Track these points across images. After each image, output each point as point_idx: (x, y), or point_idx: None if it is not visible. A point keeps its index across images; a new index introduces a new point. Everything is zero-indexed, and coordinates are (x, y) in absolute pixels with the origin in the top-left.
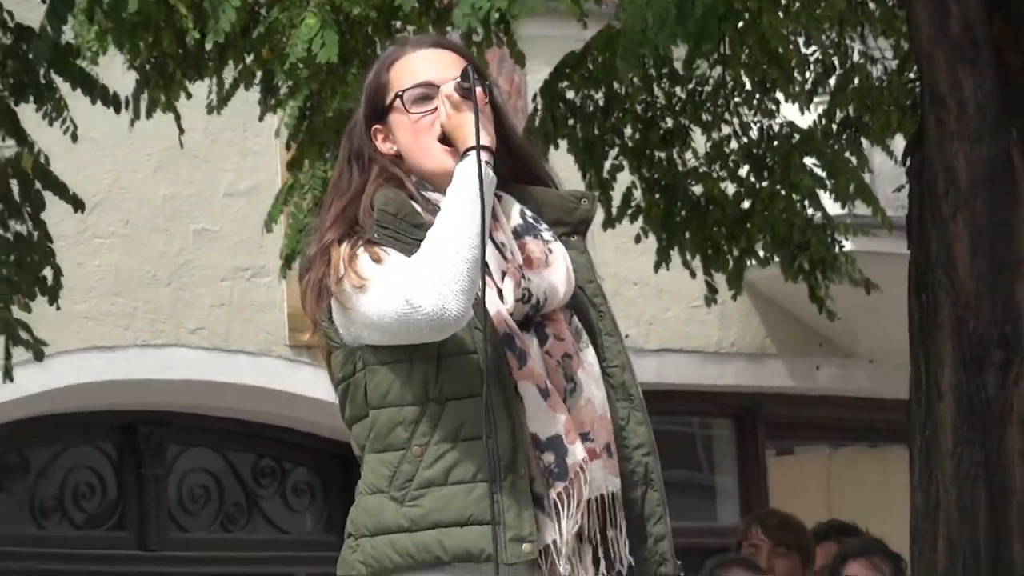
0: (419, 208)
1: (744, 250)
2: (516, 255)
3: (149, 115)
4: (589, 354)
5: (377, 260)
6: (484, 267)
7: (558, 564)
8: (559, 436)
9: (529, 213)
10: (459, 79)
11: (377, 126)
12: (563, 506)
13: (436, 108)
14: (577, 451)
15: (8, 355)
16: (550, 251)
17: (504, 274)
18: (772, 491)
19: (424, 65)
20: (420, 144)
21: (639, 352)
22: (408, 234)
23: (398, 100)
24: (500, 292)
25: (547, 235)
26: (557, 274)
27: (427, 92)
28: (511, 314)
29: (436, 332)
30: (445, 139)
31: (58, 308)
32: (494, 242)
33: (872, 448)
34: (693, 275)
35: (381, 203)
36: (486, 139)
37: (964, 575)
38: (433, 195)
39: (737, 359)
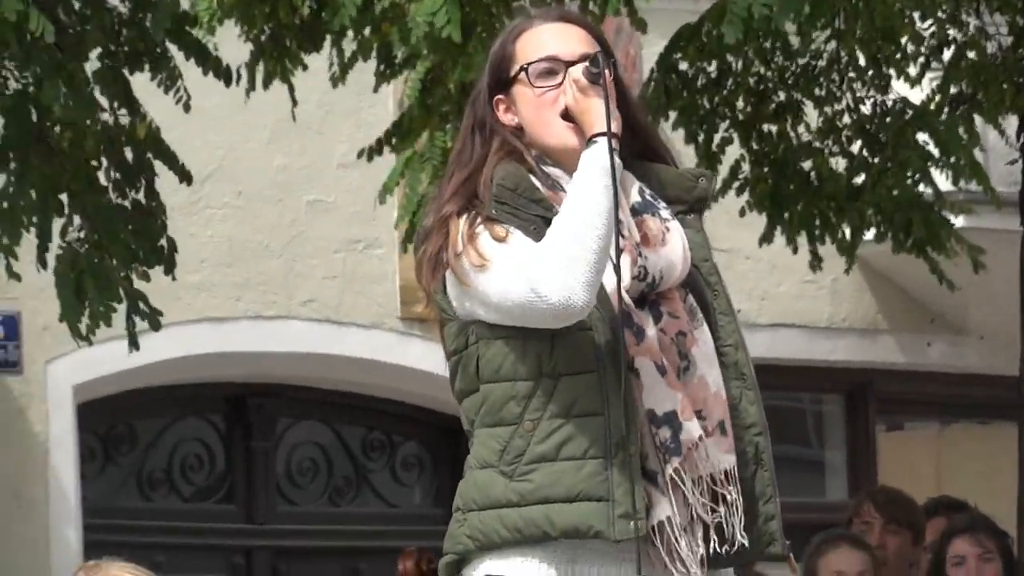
0: (538, 183)
1: (857, 226)
2: (634, 233)
3: (266, 86)
4: (703, 332)
5: (500, 239)
6: (618, 253)
7: (674, 541)
8: (675, 412)
9: (648, 191)
10: (588, 64)
11: (500, 96)
12: (679, 482)
13: (561, 83)
14: (693, 428)
15: (132, 324)
16: (667, 229)
17: (622, 250)
18: (881, 467)
19: (551, 39)
20: (543, 118)
21: (751, 327)
22: (526, 209)
23: (523, 73)
24: (617, 268)
25: (665, 213)
26: (674, 253)
27: (552, 67)
28: (627, 291)
29: (559, 321)
30: (567, 115)
31: (173, 278)
32: (617, 219)
33: (982, 425)
34: (795, 251)
35: (500, 178)
36: (615, 126)
37: None
38: (553, 170)
39: (848, 334)
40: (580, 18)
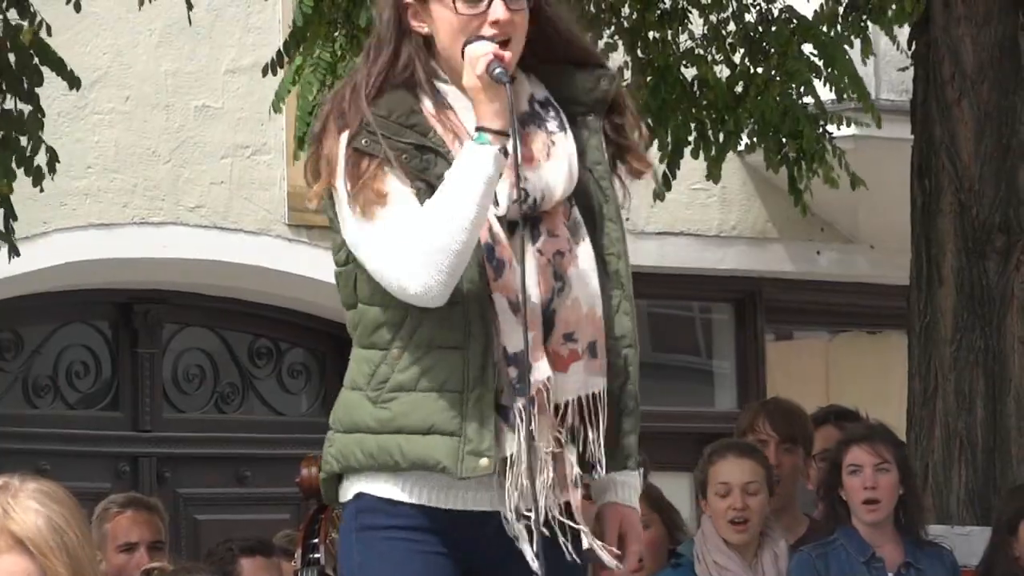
0: (424, 100)
1: (729, 134)
2: (516, 148)
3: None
4: (584, 248)
5: (380, 200)
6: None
7: (520, 476)
8: (523, 352)
9: (540, 97)
10: (491, 67)
11: (411, 2)
12: (523, 420)
13: (485, 10)
14: (542, 368)
15: (10, 231)
16: (552, 143)
17: (500, 173)
18: (770, 376)
19: None
20: (457, 45)
21: (640, 235)
22: (397, 136)
23: None
24: (494, 197)
25: (552, 125)
26: (557, 171)
27: None
28: (504, 215)
29: (418, 304)
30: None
31: (41, 190)
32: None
33: (871, 334)
34: (663, 160)
35: (382, 106)
36: (499, 122)
37: (960, 461)
38: (444, 87)
39: (737, 243)
40: None
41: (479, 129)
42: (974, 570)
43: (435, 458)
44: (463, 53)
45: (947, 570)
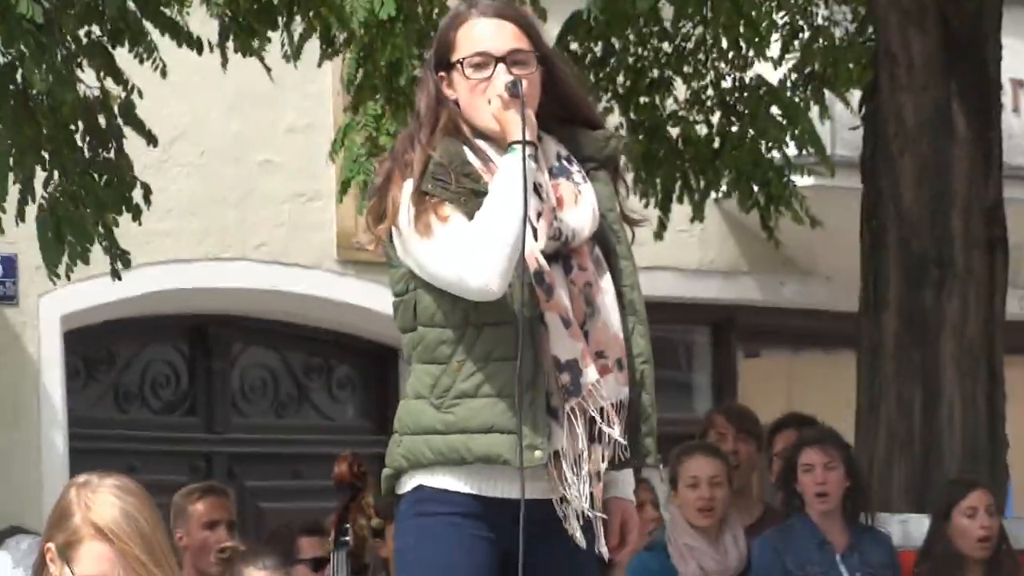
0: (471, 155)
1: (709, 183)
2: (550, 196)
3: (246, 54)
4: (607, 280)
5: (442, 220)
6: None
7: (564, 467)
8: (576, 360)
9: (564, 154)
10: (509, 85)
11: (442, 74)
12: (576, 417)
13: (491, 75)
14: (591, 373)
15: (114, 259)
16: (579, 192)
17: (539, 215)
18: (741, 389)
19: (485, 34)
20: (474, 103)
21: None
22: (457, 183)
23: (459, 64)
24: (535, 232)
25: (577, 177)
26: (584, 214)
27: (483, 60)
28: (543, 250)
29: (479, 299)
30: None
31: (140, 224)
32: (536, 183)
33: (827, 353)
34: (647, 205)
35: (438, 155)
36: (530, 135)
37: (900, 459)
38: (484, 144)
39: (714, 276)
40: (514, 13)
41: (510, 144)
42: (915, 551)
43: (498, 453)
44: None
45: (886, 552)
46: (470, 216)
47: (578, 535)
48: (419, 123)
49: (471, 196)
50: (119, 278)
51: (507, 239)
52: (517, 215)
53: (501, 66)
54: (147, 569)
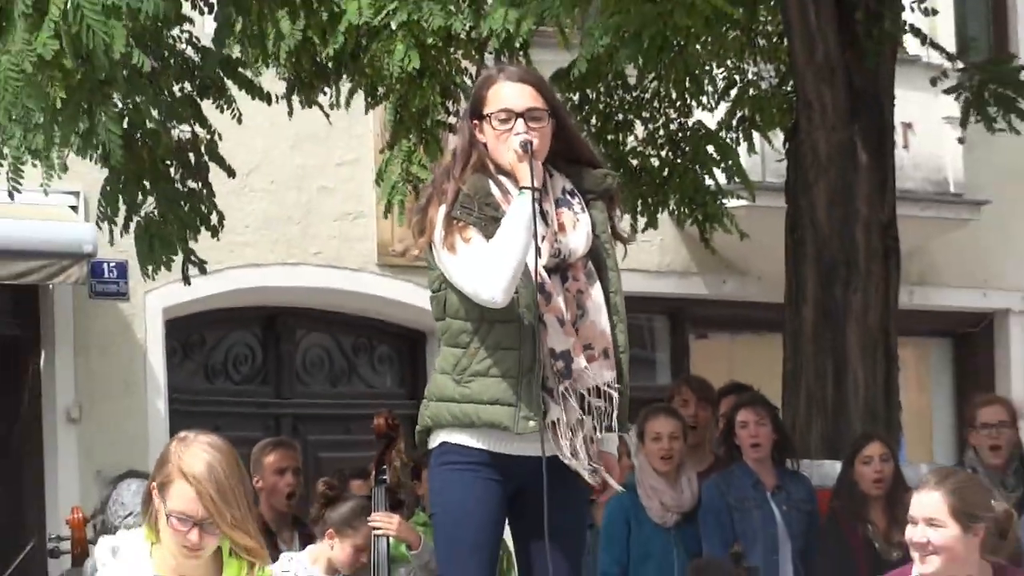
0: (494, 188)
1: (660, 203)
2: (554, 222)
3: (310, 105)
4: (596, 288)
5: (466, 241)
6: (536, 260)
7: (560, 434)
8: (568, 351)
9: (568, 188)
10: (522, 144)
11: (475, 122)
12: (568, 395)
13: (512, 127)
14: (580, 361)
15: (186, 268)
16: (578, 220)
17: (543, 238)
18: (692, 364)
19: (510, 95)
20: (499, 148)
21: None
22: (481, 211)
23: (488, 117)
24: (539, 250)
25: (577, 207)
26: (579, 237)
27: (508, 115)
28: (545, 265)
29: (488, 307)
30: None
31: (218, 239)
32: (542, 210)
33: (758, 336)
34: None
35: (467, 187)
36: (537, 182)
37: (817, 420)
38: (504, 179)
39: (670, 276)
40: (533, 78)
41: (521, 189)
42: (828, 489)
43: (500, 420)
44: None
45: (806, 490)
46: (489, 237)
47: (585, 474)
48: (455, 160)
49: (491, 222)
50: (188, 283)
51: (511, 265)
52: (520, 246)
53: (521, 120)
54: (217, 507)
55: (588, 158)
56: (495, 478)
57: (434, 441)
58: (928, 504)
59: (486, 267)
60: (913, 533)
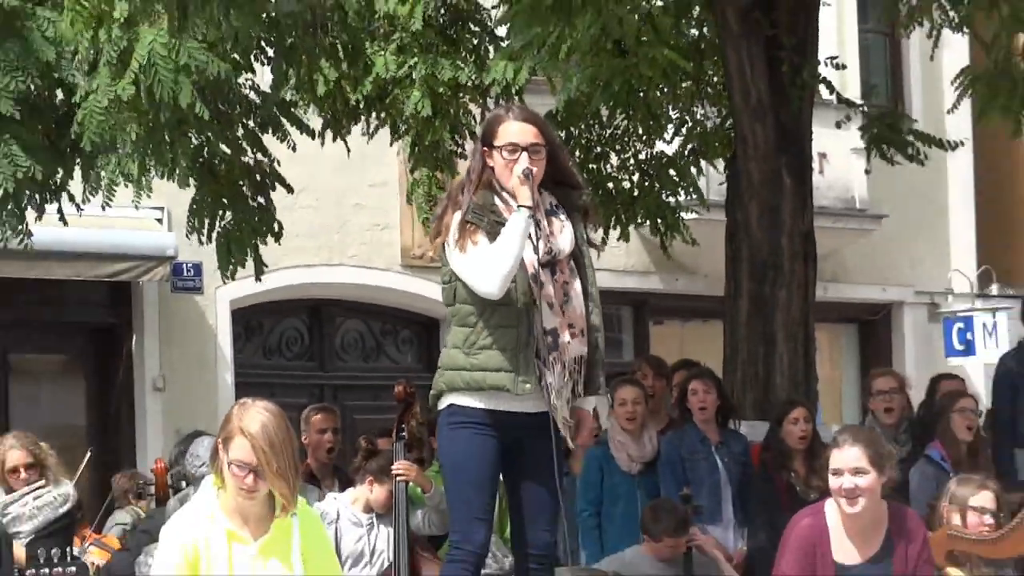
0: (498, 201)
1: (630, 217)
2: (546, 227)
3: (334, 140)
4: (576, 280)
5: (474, 243)
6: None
7: (551, 394)
8: (556, 328)
9: (555, 203)
10: (523, 172)
11: (485, 149)
12: (555, 364)
13: (517, 157)
14: (566, 336)
15: (258, 268)
16: (564, 226)
17: (539, 238)
18: (651, 345)
19: (516, 132)
20: (504, 173)
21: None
22: (488, 217)
23: (498, 148)
24: (536, 248)
25: (562, 217)
26: (565, 240)
27: (514, 148)
28: (540, 259)
29: (486, 298)
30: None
31: (279, 243)
32: (535, 220)
33: (704, 322)
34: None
35: (477, 199)
36: (530, 201)
37: (751, 390)
38: (506, 195)
39: (634, 274)
40: (535, 118)
41: (519, 206)
42: (759, 444)
43: (503, 384)
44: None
45: (743, 445)
46: (489, 237)
47: (563, 431)
48: (469, 178)
49: (495, 227)
50: (260, 279)
51: (506, 266)
52: (515, 252)
53: (524, 153)
54: (267, 457)
55: (572, 182)
56: (492, 434)
57: (443, 403)
58: (852, 457)
59: (486, 266)
60: (843, 482)
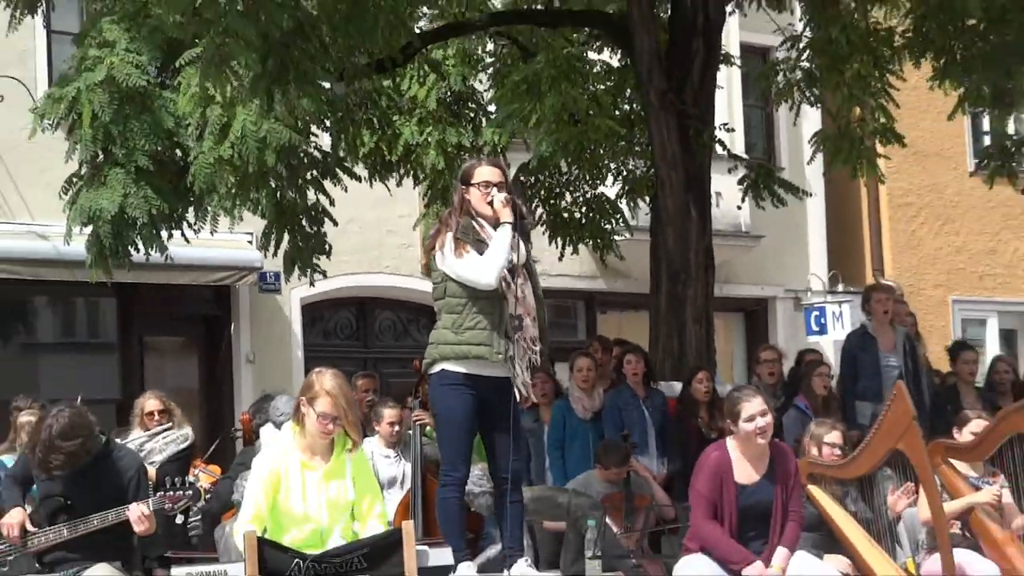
0: (476, 224)
1: (580, 238)
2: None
3: (371, 185)
4: (529, 283)
5: (467, 252)
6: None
7: (516, 363)
8: (521, 315)
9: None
10: (507, 194)
11: (463, 187)
12: (520, 341)
13: (489, 192)
14: (528, 321)
15: (312, 277)
16: (518, 243)
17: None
18: (598, 328)
19: (487, 173)
20: (480, 204)
21: (543, 275)
22: (468, 237)
23: (476, 185)
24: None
25: (520, 239)
26: (523, 253)
27: (487, 184)
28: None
29: (484, 289)
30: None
31: (329, 258)
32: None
33: (636, 312)
34: (557, 246)
35: (462, 224)
36: (511, 219)
37: (669, 360)
38: (482, 220)
39: (585, 278)
40: (499, 164)
41: (503, 222)
42: (674, 399)
43: (482, 354)
44: (491, 203)
45: (663, 400)
46: (477, 251)
47: (523, 391)
48: (454, 208)
49: (476, 243)
50: (314, 284)
51: (499, 264)
52: (504, 254)
53: (495, 188)
54: (343, 410)
55: (520, 212)
56: (471, 393)
57: (435, 368)
58: (760, 404)
59: (484, 265)
60: (757, 423)
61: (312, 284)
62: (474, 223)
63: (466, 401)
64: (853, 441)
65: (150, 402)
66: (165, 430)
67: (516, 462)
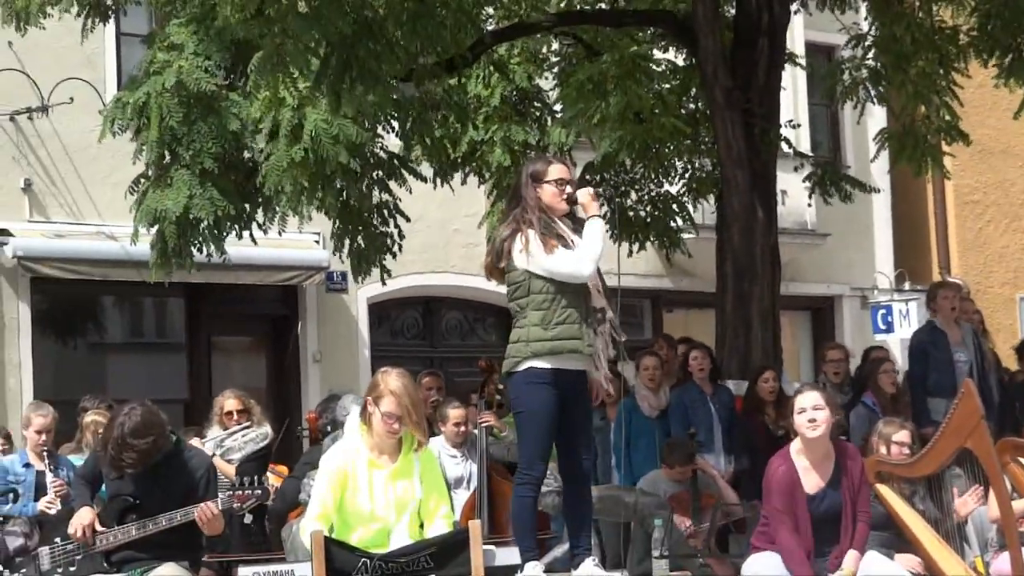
0: (552, 222)
1: (646, 236)
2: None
3: (440, 184)
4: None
5: (556, 247)
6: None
7: (600, 358)
8: (604, 308)
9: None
10: (592, 193)
11: (536, 185)
12: (602, 334)
13: (564, 189)
14: (608, 312)
15: (383, 276)
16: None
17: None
18: (664, 327)
19: (561, 171)
20: (554, 200)
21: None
22: (552, 232)
23: (549, 183)
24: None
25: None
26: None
27: (562, 181)
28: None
29: (578, 281)
30: (569, 199)
31: (395, 258)
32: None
33: (702, 311)
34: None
35: (542, 223)
36: (600, 211)
37: (735, 358)
38: (555, 216)
39: (651, 276)
40: (566, 162)
41: (590, 217)
42: (740, 397)
43: (575, 347)
44: (569, 199)
45: (729, 396)
46: (560, 245)
47: (605, 385)
48: (528, 206)
49: (558, 237)
50: (385, 283)
51: (595, 256)
52: (600, 246)
53: (568, 185)
54: (408, 410)
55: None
56: (556, 390)
57: (522, 367)
58: (812, 398)
59: (582, 258)
60: (805, 416)
61: (384, 283)
62: (551, 220)
63: (553, 398)
64: (926, 438)
65: (229, 401)
66: (244, 428)
67: (586, 460)
